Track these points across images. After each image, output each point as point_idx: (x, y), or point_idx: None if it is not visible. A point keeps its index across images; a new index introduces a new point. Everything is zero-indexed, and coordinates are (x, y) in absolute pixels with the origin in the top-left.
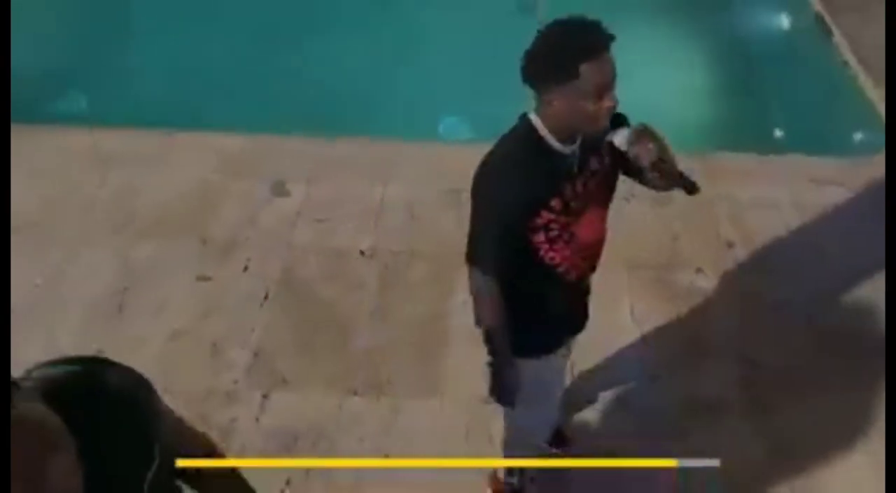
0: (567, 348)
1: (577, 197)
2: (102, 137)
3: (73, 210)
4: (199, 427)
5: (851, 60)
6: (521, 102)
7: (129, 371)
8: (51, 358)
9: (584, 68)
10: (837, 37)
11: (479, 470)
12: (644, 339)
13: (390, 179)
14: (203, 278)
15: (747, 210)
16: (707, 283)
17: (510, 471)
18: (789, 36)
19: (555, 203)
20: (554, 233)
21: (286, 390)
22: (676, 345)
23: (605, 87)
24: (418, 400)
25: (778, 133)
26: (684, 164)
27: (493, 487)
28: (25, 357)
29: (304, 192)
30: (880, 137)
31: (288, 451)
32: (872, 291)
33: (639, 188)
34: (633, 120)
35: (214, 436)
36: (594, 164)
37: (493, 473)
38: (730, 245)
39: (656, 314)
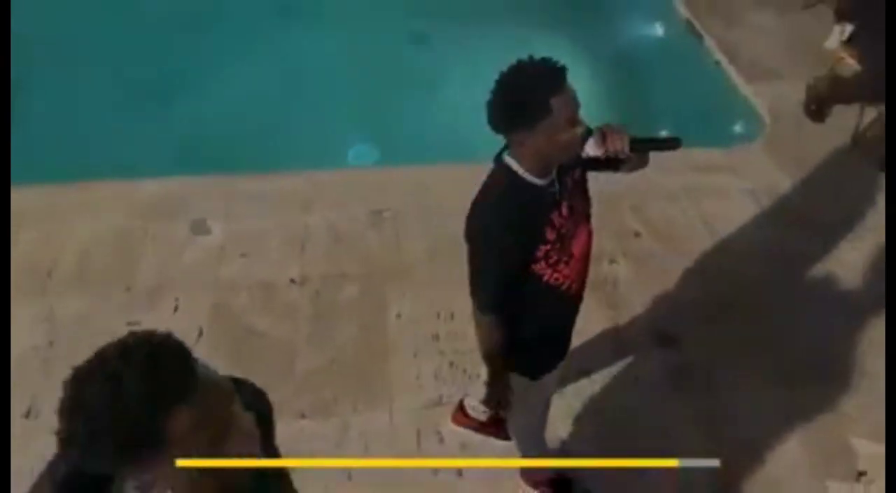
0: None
1: (565, 221)
2: (14, 197)
3: None
4: None
5: (723, 60)
6: (421, 123)
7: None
8: None
9: (554, 103)
10: (707, 40)
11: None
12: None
13: (310, 208)
14: (133, 324)
15: (648, 201)
16: (622, 271)
17: (486, 403)
18: (665, 42)
19: (549, 235)
20: (553, 259)
21: None
22: (598, 329)
23: (575, 115)
24: (366, 414)
25: (663, 131)
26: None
27: (457, 421)
28: None
29: (225, 228)
30: (756, 127)
31: None
32: (765, 265)
33: None
34: None
35: None
36: (569, 182)
37: (459, 406)
38: (636, 234)
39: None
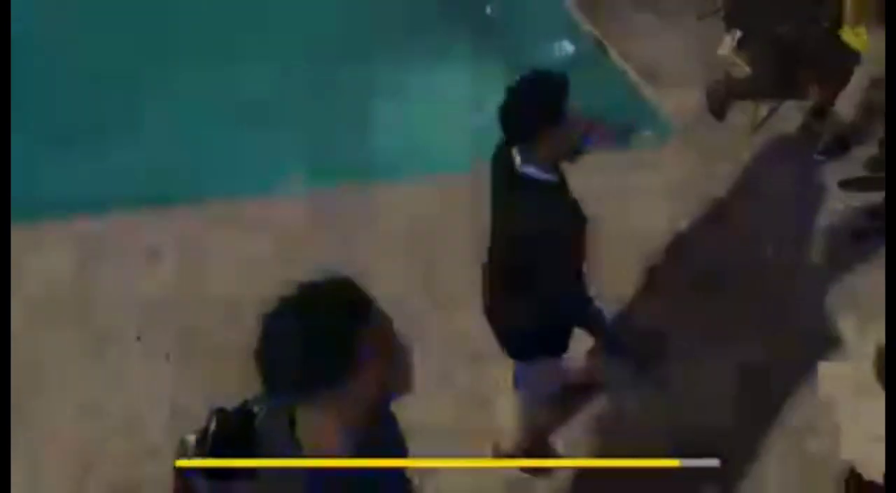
0: None
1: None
2: None
3: None
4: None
5: (630, 71)
6: (349, 150)
7: None
8: None
9: (565, 105)
10: (612, 52)
11: None
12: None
13: (256, 231)
14: (97, 356)
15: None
16: None
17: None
18: (576, 58)
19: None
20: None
21: None
22: None
23: (578, 116)
24: None
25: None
26: None
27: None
28: None
29: (179, 256)
30: (666, 128)
31: None
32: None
33: None
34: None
35: (155, 490)
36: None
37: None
38: None
39: None
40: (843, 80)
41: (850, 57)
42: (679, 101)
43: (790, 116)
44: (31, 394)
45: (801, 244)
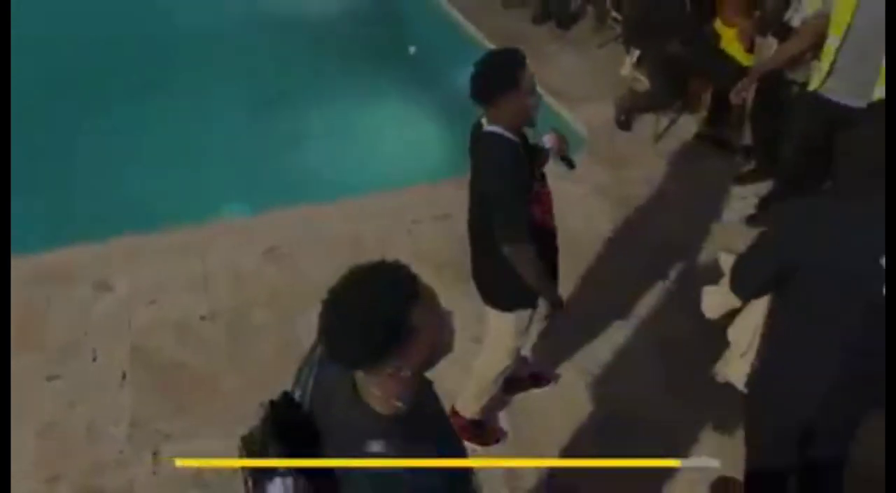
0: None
1: (536, 173)
2: None
3: None
4: None
5: (544, 92)
6: (288, 176)
7: None
8: None
9: (520, 75)
10: None
11: None
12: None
13: (206, 253)
14: (53, 377)
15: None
16: None
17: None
18: None
19: (532, 180)
20: (539, 202)
21: (174, 443)
22: None
23: (533, 87)
24: None
25: None
26: None
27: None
28: None
29: (128, 282)
30: (578, 141)
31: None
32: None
33: None
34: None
35: None
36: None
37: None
38: None
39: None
40: (729, 86)
41: (733, 66)
42: (589, 116)
43: (687, 125)
44: None
45: (705, 233)
